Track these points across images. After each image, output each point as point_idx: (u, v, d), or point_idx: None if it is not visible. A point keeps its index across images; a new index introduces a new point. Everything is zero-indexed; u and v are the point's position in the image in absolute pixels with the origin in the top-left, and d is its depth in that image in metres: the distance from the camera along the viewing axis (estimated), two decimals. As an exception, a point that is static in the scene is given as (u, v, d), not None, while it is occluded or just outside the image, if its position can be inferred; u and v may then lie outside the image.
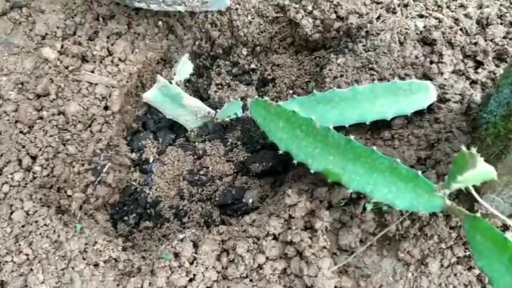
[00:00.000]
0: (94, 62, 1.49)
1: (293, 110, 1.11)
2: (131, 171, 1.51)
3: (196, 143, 1.49)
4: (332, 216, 1.10)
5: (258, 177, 1.43)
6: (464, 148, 0.77)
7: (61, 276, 1.09)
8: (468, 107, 1.14)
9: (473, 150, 0.75)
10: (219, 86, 1.61)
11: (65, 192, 1.35)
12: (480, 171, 0.75)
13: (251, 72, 1.62)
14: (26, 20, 1.61)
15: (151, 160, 1.50)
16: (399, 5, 1.47)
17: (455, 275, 1.04)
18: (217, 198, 1.42)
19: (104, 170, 1.40)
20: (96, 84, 1.44)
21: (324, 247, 1.06)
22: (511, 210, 1.00)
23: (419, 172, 0.90)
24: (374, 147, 0.96)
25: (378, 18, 1.43)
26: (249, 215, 1.16)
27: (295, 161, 1.12)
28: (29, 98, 1.41)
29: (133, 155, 1.51)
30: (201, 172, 1.45)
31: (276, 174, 1.42)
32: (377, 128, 1.24)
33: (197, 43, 1.62)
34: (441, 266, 1.04)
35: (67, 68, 1.47)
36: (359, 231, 1.08)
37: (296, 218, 1.10)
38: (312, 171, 1.07)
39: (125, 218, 1.44)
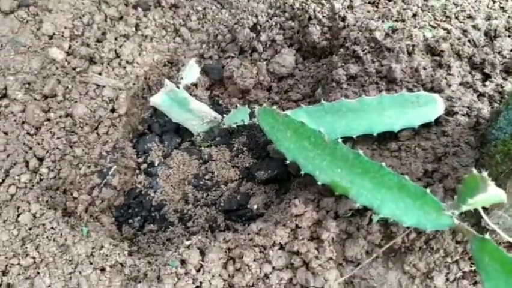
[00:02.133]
0: (102, 63, 1.49)
1: (301, 121, 1.11)
2: (137, 173, 1.51)
3: (202, 148, 1.49)
4: (339, 227, 1.11)
5: (263, 184, 1.44)
6: (474, 171, 0.78)
7: (68, 280, 1.10)
8: (476, 121, 1.15)
9: (484, 173, 0.76)
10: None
11: (71, 194, 1.36)
12: (491, 195, 0.75)
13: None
14: (33, 19, 1.60)
15: (156, 163, 1.50)
16: (408, 15, 1.48)
17: (459, 289, 1.05)
18: (222, 204, 1.42)
19: (110, 173, 1.41)
20: (103, 86, 1.44)
21: (331, 258, 1.07)
22: (518, 227, 1.01)
23: (428, 190, 0.91)
24: (383, 163, 0.97)
25: (387, 27, 1.43)
26: (256, 224, 1.16)
27: (302, 172, 1.12)
28: (36, 99, 1.41)
29: (139, 159, 1.51)
30: (206, 177, 1.46)
31: (281, 181, 1.42)
32: (384, 139, 1.25)
33: (204, 46, 1.62)
34: (447, 280, 1.05)
35: (74, 69, 1.47)
36: (365, 243, 1.09)
37: (303, 227, 1.11)
38: (319, 182, 1.08)
39: (130, 220, 1.44)
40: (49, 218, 1.19)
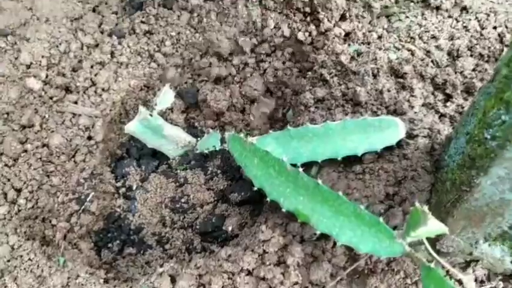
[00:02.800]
0: (78, 92, 1.53)
1: (266, 150, 1.16)
2: (115, 197, 1.55)
3: (178, 171, 1.53)
4: (304, 251, 1.15)
5: (237, 205, 1.48)
6: (417, 204, 0.83)
7: (44, 311, 1.14)
8: (432, 146, 1.19)
9: (425, 208, 0.80)
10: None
11: (50, 222, 1.40)
12: (431, 228, 0.80)
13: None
14: (11, 48, 1.64)
15: (134, 187, 1.55)
16: (373, 37, 1.52)
17: (420, 309, 1.10)
18: (198, 226, 1.47)
19: (88, 199, 1.45)
20: (79, 115, 1.48)
21: (296, 283, 1.12)
22: (470, 249, 1.05)
23: (381, 219, 0.96)
24: (340, 193, 1.01)
25: (352, 51, 1.47)
26: (225, 249, 1.21)
27: (268, 199, 1.17)
28: (14, 129, 1.45)
29: (118, 183, 1.56)
30: (183, 200, 1.50)
31: (255, 202, 1.47)
32: (350, 161, 1.29)
33: (179, 70, 1.67)
34: (407, 300, 1.10)
35: (51, 98, 1.51)
36: (330, 266, 1.13)
37: (270, 253, 1.16)
38: (283, 209, 1.13)
39: (109, 244, 1.48)
40: (26, 250, 1.24)
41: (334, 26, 1.57)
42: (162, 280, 1.15)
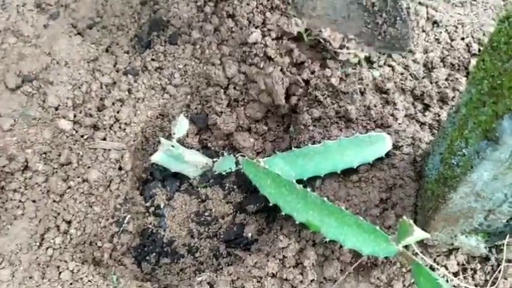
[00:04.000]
0: (105, 129, 1.74)
1: (277, 173, 1.39)
2: (147, 216, 1.79)
3: (199, 189, 1.77)
4: (317, 253, 1.40)
5: (254, 214, 1.72)
6: (405, 217, 1.07)
7: (109, 322, 1.39)
8: (415, 159, 1.43)
9: (411, 221, 1.05)
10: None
11: (96, 244, 1.63)
12: (416, 236, 1.05)
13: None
14: (37, 92, 1.84)
15: (162, 206, 1.78)
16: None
17: (414, 291, 1.35)
18: (221, 235, 1.71)
19: (125, 221, 1.68)
20: (109, 149, 1.70)
21: (313, 280, 1.37)
22: (451, 241, 1.30)
23: (377, 227, 1.20)
24: (343, 207, 1.25)
25: (340, 72, 1.70)
26: (251, 258, 1.45)
27: (283, 213, 1.41)
28: (54, 168, 1.67)
29: (147, 203, 1.79)
30: (206, 213, 1.74)
31: (269, 210, 1.71)
32: (347, 173, 1.53)
33: (188, 97, 1.88)
34: (404, 286, 1.35)
35: (82, 136, 1.73)
36: (339, 263, 1.39)
37: (288, 257, 1.40)
38: (297, 222, 1.37)
39: (147, 257, 1.72)
40: (85, 273, 1.47)
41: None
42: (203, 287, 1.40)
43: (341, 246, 1.39)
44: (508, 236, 1.16)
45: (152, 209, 1.79)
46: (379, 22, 1.72)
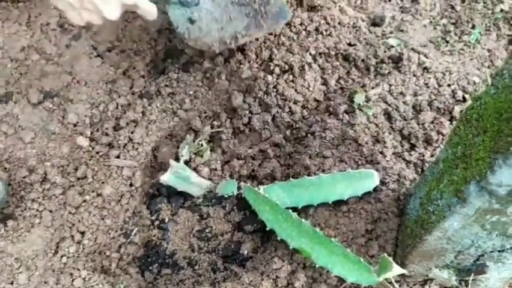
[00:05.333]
0: (119, 147, 1.90)
1: (275, 202, 1.56)
2: (151, 228, 1.94)
3: (202, 207, 1.93)
4: (306, 275, 1.57)
5: (250, 233, 1.88)
6: (385, 255, 1.24)
7: (116, 328, 1.55)
8: (398, 197, 1.61)
9: (390, 258, 1.22)
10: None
11: (105, 253, 1.79)
12: (395, 272, 1.22)
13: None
14: (58, 108, 2.00)
15: (166, 220, 1.94)
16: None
17: (391, 315, 1.52)
18: (220, 251, 1.87)
19: (132, 233, 1.84)
20: (122, 167, 1.86)
21: (302, 300, 1.54)
22: (426, 273, 1.47)
23: (361, 259, 1.37)
24: (333, 239, 1.42)
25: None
26: (247, 275, 1.61)
27: (278, 238, 1.57)
28: (71, 181, 1.83)
29: (152, 217, 1.95)
30: (207, 230, 1.90)
31: (264, 231, 1.87)
32: (338, 203, 1.70)
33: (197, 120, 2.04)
34: (382, 310, 1.52)
35: (97, 153, 1.88)
36: (326, 286, 1.55)
37: (281, 277, 1.57)
38: (291, 247, 1.53)
39: (150, 267, 1.88)
40: (96, 281, 1.63)
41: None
42: (202, 301, 1.56)
43: (328, 271, 1.56)
44: (473, 274, 1.33)
45: (157, 222, 1.95)
46: (256, 8, 1.93)
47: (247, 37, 1.92)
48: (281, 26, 2.05)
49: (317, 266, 1.47)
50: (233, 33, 1.91)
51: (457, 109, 1.83)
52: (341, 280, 1.54)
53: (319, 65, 2.03)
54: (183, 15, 1.85)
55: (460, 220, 1.10)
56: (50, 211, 1.77)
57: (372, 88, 1.94)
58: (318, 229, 1.45)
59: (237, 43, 1.92)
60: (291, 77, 1.98)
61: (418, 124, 1.84)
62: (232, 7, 1.93)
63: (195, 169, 1.93)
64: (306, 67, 1.99)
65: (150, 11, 1.62)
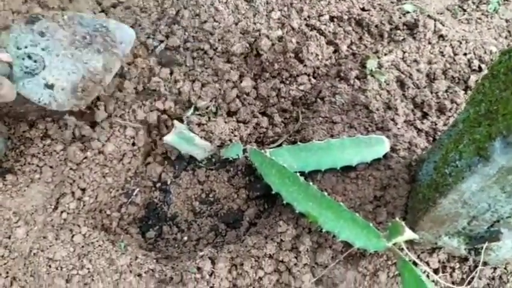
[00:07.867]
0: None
1: (282, 164, 1.51)
2: (153, 190, 1.90)
3: (205, 170, 1.88)
4: (312, 240, 1.53)
5: (254, 199, 1.84)
6: (397, 218, 1.20)
7: (116, 285, 1.51)
8: (410, 163, 1.56)
9: (403, 222, 1.18)
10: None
11: (105, 212, 1.75)
12: (406, 236, 1.18)
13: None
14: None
15: (168, 182, 1.89)
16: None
17: (397, 283, 1.49)
18: (222, 215, 1.83)
19: (134, 194, 1.80)
20: (125, 126, 1.81)
21: (306, 264, 1.50)
22: (435, 240, 1.43)
23: (370, 224, 1.33)
24: (341, 203, 1.38)
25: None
26: (251, 238, 1.57)
27: (284, 202, 1.53)
28: (72, 138, 1.78)
29: (154, 179, 1.90)
30: (209, 194, 1.86)
31: (268, 196, 1.83)
32: (346, 170, 1.65)
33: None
34: (388, 276, 1.49)
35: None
36: (331, 251, 1.52)
37: (285, 241, 1.53)
38: (296, 211, 1.49)
39: (151, 229, 1.84)
40: (96, 238, 1.59)
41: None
42: (205, 262, 1.52)
43: (334, 236, 1.52)
44: (487, 242, 1.29)
45: (159, 184, 1.90)
46: (101, 41, 1.67)
47: (113, 71, 1.70)
48: (131, 47, 1.77)
49: (324, 230, 1.43)
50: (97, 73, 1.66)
51: (473, 78, 1.78)
52: (347, 246, 1.50)
53: (330, 31, 1.96)
54: (37, 84, 1.60)
55: (479, 181, 1.06)
56: (51, 167, 1.72)
57: (385, 55, 1.88)
58: (325, 193, 1.41)
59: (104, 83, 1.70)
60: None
61: (431, 92, 1.79)
62: (80, 52, 1.64)
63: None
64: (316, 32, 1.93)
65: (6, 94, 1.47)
